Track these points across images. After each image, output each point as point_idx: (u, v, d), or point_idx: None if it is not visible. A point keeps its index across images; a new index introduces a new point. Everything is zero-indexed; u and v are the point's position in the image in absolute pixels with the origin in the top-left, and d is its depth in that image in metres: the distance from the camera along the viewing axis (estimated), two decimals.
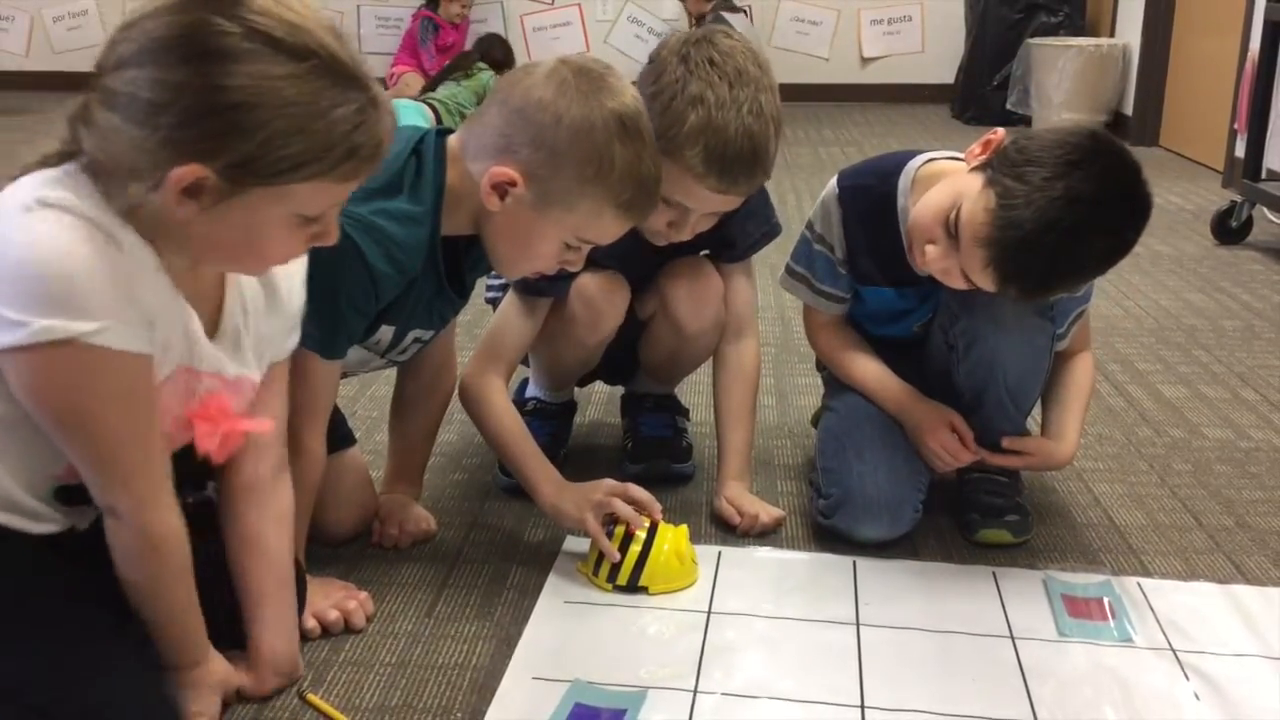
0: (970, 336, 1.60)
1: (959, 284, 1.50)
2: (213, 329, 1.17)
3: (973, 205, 1.43)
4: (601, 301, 1.69)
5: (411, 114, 4.98)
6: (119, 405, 1.07)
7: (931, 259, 1.50)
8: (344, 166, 1.05)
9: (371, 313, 1.42)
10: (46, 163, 1.07)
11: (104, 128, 1.02)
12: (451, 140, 1.44)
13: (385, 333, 1.48)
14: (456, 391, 1.69)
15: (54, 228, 1.01)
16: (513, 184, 1.36)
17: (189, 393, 1.16)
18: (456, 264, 1.49)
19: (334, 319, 1.38)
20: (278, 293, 1.24)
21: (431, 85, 5.52)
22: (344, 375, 1.62)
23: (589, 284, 1.68)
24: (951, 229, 1.45)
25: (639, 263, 1.71)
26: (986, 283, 1.45)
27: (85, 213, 1.02)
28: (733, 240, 1.73)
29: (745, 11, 6.31)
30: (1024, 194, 1.39)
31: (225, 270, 1.18)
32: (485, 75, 5.46)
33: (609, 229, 1.42)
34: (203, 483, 1.32)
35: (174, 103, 0.98)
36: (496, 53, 5.81)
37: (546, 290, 1.66)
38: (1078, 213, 1.37)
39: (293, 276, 1.26)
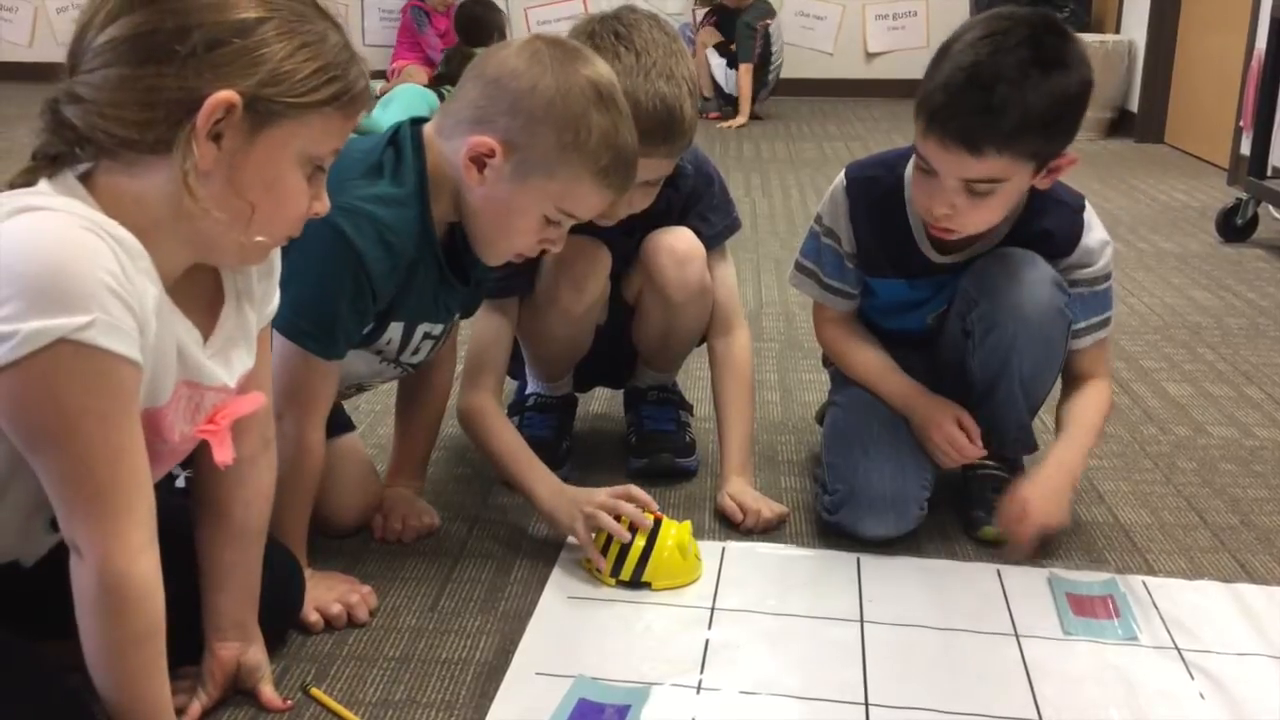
0: (988, 322, 1.60)
1: (942, 206, 1.52)
2: (208, 332, 1.12)
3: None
4: (580, 262, 1.69)
5: (416, 99, 4.98)
6: (94, 414, 0.96)
7: (920, 197, 1.56)
8: (346, 96, 1.04)
9: (368, 309, 1.40)
10: (14, 185, 1.00)
11: (100, 86, 0.97)
12: (427, 127, 1.44)
13: (394, 330, 1.47)
14: (455, 414, 1.69)
15: (41, 224, 0.95)
16: (490, 154, 1.37)
17: (195, 408, 1.11)
18: (458, 256, 1.49)
19: (329, 316, 1.37)
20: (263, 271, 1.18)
21: (444, 78, 5.46)
22: (359, 389, 1.62)
23: (565, 247, 1.68)
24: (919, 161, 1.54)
25: (619, 243, 1.72)
26: (936, 151, 1.49)
27: (77, 211, 0.96)
28: (698, 230, 1.75)
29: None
30: (936, 66, 1.50)
31: (231, 254, 1.10)
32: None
33: (588, 199, 1.42)
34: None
35: (194, 28, 0.96)
36: (476, 29, 5.65)
37: (511, 289, 1.69)
38: (980, 48, 1.46)
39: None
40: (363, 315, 1.41)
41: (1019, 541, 1.56)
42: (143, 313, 0.99)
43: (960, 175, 1.49)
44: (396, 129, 1.44)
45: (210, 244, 1.06)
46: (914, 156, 1.56)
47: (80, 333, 0.93)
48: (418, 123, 1.45)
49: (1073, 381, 1.69)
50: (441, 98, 5.01)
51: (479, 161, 1.38)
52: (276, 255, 1.21)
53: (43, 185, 1.00)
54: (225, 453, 1.13)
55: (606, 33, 1.58)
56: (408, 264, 1.41)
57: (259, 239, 1.07)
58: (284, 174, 1.04)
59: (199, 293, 1.11)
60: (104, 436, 0.98)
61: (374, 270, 1.36)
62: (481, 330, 1.71)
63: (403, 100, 4.84)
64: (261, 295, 1.20)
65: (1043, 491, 1.56)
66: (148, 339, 1.00)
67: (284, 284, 1.33)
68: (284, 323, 1.36)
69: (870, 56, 7.03)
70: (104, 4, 0.98)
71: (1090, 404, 1.66)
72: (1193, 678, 1.35)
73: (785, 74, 6.37)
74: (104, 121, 0.98)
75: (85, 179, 1.01)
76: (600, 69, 1.41)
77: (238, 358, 1.15)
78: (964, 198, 1.51)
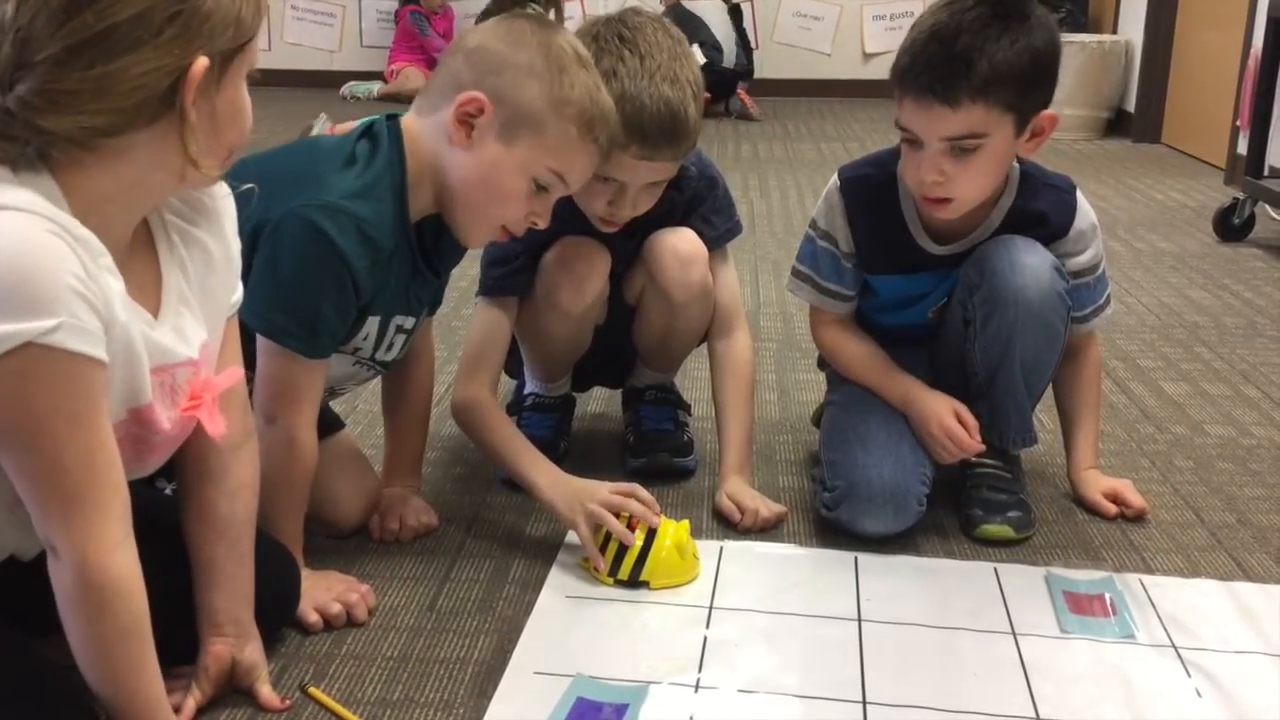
0: (990, 307, 1.61)
1: (931, 173, 1.54)
2: (156, 310, 1.11)
3: None
4: (580, 263, 1.70)
5: None
6: (63, 415, 0.97)
7: (909, 171, 1.58)
8: (259, 20, 1.06)
9: (351, 306, 1.39)
10: None
11: (78, 88, 0.96)
12: (405, 117, 1.45)
13: (371, 325, 1.46)
14: (450, 410, 1.70)
15: (4, 227, 0.94)
16: (480, 111, 1.38)
17: (171, 390, 1.12)
18: (427, 250, 1.49)
19: (312, 314, 1.36)
20: (210, 248, 1.17)
21: None
22: (332, 393, 1.61)
23: (566, 247, 1.70)
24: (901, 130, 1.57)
25: (621, 245, 1.72)
26: (914, 112, 1.51)
27: (39, 210, 0.95)
28: (701, 232, 1.75)
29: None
30: (904, 41, 1.56)
31: (185, 184, 1.11)
32: None
33: (577, 157, 1.42)
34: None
35: (150, 10, 0.96)
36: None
37: (511, 288, 1.70)
38: (940, 13, 1.52)
39: (226, 233, 1.19)
40: (346, 313, 1.40)
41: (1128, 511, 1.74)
42: (108, 311, 0.99)
43: (941, 134, 1.51)
44: (371, 121, 1.43)
45: (159, 194, 1.09)
46: (900, 138, 1.58)
47: (47, 336, 0.94)
48: (393, 117, 1.45)
49: (1069, 356, 1.72)
50: None
51: (467, 122, 1.38)
52: (234, 249, 1.20)
53: (2, 172, 0.98)
54: (217, 425, 1.14)
55: (611, 35, 1.58)
56: (388, 256, 1.41)
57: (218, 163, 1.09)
58: (243, 95, 1.07)
59: (138, 269, 1.09)
60: (73, 437, 0.99)
61: (356, 267, 1.36)
62: (480, 327, 1.71)
63: None
64: (213, 285, 1.18)
65: (1112, 481, 1.77)
66: (115, 335, 1.01)
67: (264, 283, 1.32)
68: (264, 323, 1.35)
69: (868, 57, 7.04)
70: (41, 8, 0.95)
71: (1092, 383, 1.79)
72: (1189, 675, 1.35)
73: (783, 74, 6.38)
74: (87, 118, 0.97)
75: (43, 159, 0.99)
76: (574, 39, 1.44)
77: (189, 327, 1.14)
78: (950, 161, 1.53)
